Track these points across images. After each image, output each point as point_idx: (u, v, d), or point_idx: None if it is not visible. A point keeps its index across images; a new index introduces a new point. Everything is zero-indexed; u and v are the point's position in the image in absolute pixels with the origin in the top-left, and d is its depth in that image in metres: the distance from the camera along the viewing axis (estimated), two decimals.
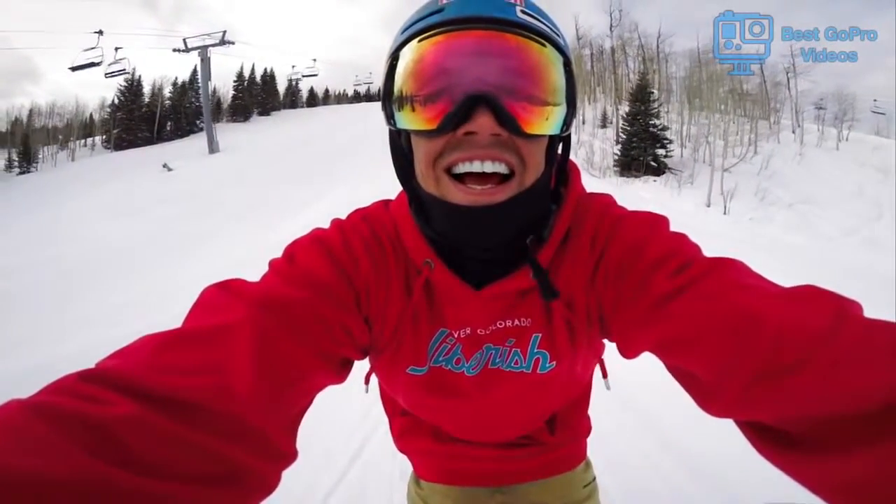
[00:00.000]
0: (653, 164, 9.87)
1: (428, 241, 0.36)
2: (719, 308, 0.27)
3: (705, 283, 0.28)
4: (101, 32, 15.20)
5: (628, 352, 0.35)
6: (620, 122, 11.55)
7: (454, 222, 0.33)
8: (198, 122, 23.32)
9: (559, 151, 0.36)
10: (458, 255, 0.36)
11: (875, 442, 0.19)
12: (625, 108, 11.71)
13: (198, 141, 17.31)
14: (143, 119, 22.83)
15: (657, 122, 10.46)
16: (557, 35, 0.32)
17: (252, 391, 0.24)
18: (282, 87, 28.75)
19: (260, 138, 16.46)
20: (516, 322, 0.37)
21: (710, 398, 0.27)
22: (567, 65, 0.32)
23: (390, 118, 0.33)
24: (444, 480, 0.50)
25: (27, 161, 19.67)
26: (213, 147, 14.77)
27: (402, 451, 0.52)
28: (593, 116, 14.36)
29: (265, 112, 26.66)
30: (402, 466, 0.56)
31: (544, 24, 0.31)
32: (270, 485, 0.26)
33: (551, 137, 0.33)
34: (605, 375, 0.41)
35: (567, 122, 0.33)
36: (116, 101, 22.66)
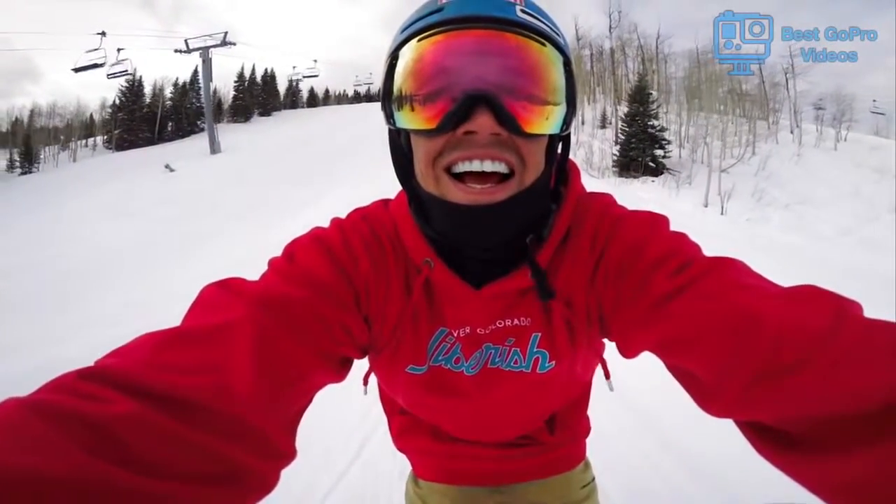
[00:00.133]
0: (651, 164, 9.92)
1: (428, 241, 0.36)
2: (719, 308, 0.27)
3: (705, 283, 0.28)
4: (103, 34, 15.25)
5: (628, 351, 0.35)
6: (619, 122, 11.59)
7: (454, 221, 0.33)
8: (199, 122, 23.36)
9: (559, 151, 0.36)
10: (457, 255, 0.36)
11: (875, 442, 0.19)
12: (624, 108, 11.73)
13: (199, 141, 17.34)
14: (144, 119, 22.90)
15: (655, 122, 10.51)
16: (557, 34, 0.32)
17: (251, 390, 0.24)
18: (282, 87, 28.88)
19: (261, 139, 16.49)
20: (516, 321, 0.37)
21: (710, 398, 0.27)
22: (567, 64, 0.32)
23: (390, 117, 0.33)
24: (443, 480, 0.50)
25: (29, 161, 19.72)
26: (214, 147, 14.81)
27: (400, 450, 0.52)
28: (593, 117, 14.38)
29: (266, 112, 26.72)
30: (402, 466, 0.56)
31: (544, 23, 0.31)
32: (269, 484, 0.26)
33: (551, 137, 0.33)
34: (607, 376, 0.41)
35: (567, 122, 0.33)
36: (118, 101, 22.74)
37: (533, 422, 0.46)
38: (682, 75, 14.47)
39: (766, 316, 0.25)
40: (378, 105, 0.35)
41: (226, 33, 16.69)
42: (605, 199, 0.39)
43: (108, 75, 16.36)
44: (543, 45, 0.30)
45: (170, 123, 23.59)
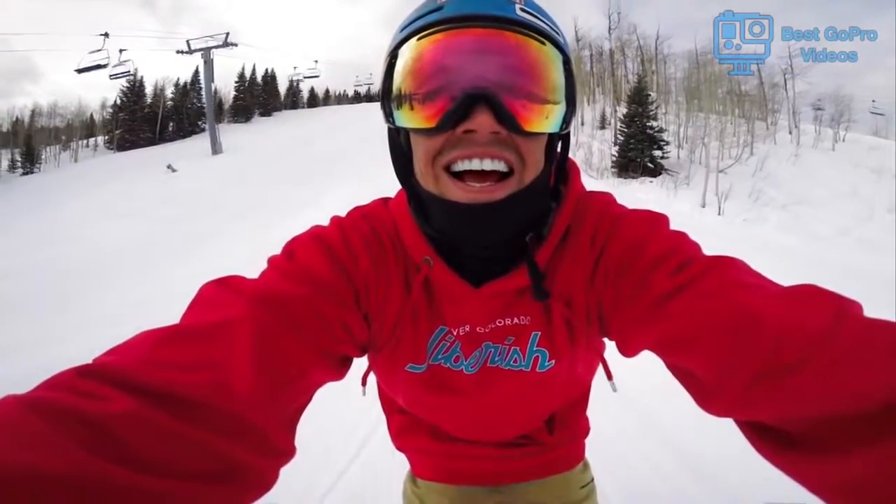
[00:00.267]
0: (649, 165, 9.95)
1: (427, 239, 0.36)
2: (719, 307, 0.27)
3: (705, 282, 0.28)
4: (106, 35, 15.33)
5: (628, 350, 0.35)
6: (618, 123, 11.61)
7: (453, 220, 0.33)
8: (200, 122, 23.37)
9: (559, 149, 0.36)
10: (457, 253, 0.36)
11: (875, 442, 0.19)
12: (623, 109, 11.74)
13: (200, 141, 17.36)
14: (145, 120, 22.92)
15: (654, 123, 10.55)
16: (557, 33, 0.32)
17: (251, 388, 0.24)
18: (283, 87, 28.91)
19: (262, 139, 16.51)
20: (515, 320, 0.37)
21: (710, 397, 0.27)
22: (566, 63, 0.32)
23: (389, 116, 0.33)
24: (442, 479, 0.50)
25: (30, 162, 19.71)
26: (216, 148, 14.82)
27: (399, 449, 0.52)
28: (592, 118, 14.38)
29: (266, 113, 26.75)
30: (402, 465, 0.56)
31: (544, 21, 0.31)
32: (268, 482, 0.26)
33: (551, 135, 0.33)
34: (609, 377, 0.40)
35: (566, 120, 0.32)
36: (119, 101, 22.75)
37: (532, 421, 0.46)
38: (681, 76, 14.52)
39: (766, 315, 0.25)
40: (378, 105, 0.35)
41: (227, 34, 16.77)
42: (605, 198, 0.39)
43: (111, 76, 16.40)
44: (543, 43, 0.30)
45: (171, 124, 23.60)
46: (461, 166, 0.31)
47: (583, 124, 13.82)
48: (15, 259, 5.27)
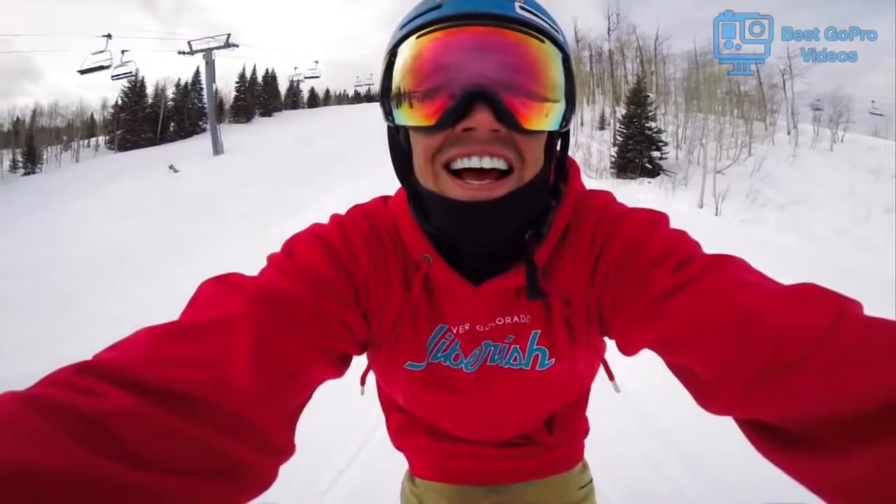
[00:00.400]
0: (648, 166, 9.95)
1: (427, 237, 0.36)
2: (719, 305, 0.26)
3: (705, 280, 0.28)
4: (109, 36, 15.40)
5: (628, 349, 0.35)
6: (617, 124, 11.63)
7: (452, 218, 0.33)
8: (201, 122, 23.36)
9: (558, 147, 0.36)
10: (456, 252, 0.36)
11: (875, 441, 0.19)
12: (622, 110, 11.76)
13: (201, 142, 17.36)
14: (146, 120, 22.93)
15: (653, 124, 10.56)
16: (556, 31, 0.32)
17: (250, 384, 0.24)
18: (283, 87, 28.95)
19: (263, 139, 16.52)
20: (515, 319, 0.37)
21: (710, 396, 0.27)
22: (566, 61, 0.32)
23: (389, 115, 0.33)
24: (440, 478, 0.50)
25: (32, 162, 19.69)
26: (217, 148, 14.83)
27: (398, 448, 0.52)
28: (591, 119, 14.38)
29: (267, 113, 26.77)
30: (402, 464, 0.56)
31: (543, 20, 0.31)
32: (267, 479, 0.26)
33: (550, 133, 0.33)
34: (611, 378, 0.40)
35: (566, 118, 0.32)
36: (120, 101, 22.79)
37: (531, 421, 0.46)
38: (680, 76, 14.53)
39: (766, 314, 0.24)
40: (377, 105, 0.35)
41: (229, 35, 16.80)
42: (605, 197, 0.38)
43: (113, 77, 16.45)
44: (542, 41, 0.30)
45: (172, 124, 23.64)
46: (460, 164, 0.31)
47: (582, 125, 13.81)
48: (16, 259, 5.27)
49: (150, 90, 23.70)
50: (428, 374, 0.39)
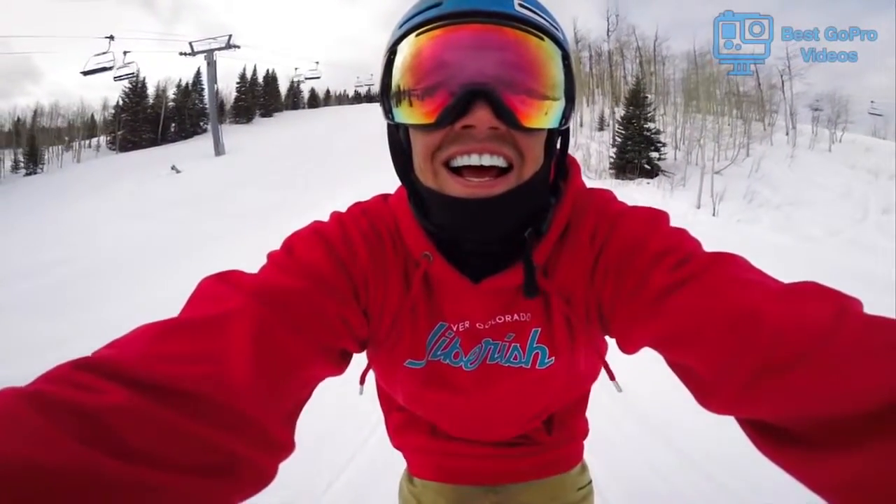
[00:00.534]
0: (646, 166, 9.92)
1: (427, 235, 0.36)
2: (719, 304, 0.26)
3: (705, 279, 0.28)
4: (111, 38, 15.42)
5: (628, 347, 0.34)
6: (616, 125, 11.62)
7: (452, 215, 0.33)
8: (201, 123, 23.34)
9: (558, 145, 0.36)
10: (456, 249, 0.36)
11: (875, 440, 0.19)
12: (621, 111, 11.75)
13: (202, 142, 17.36)
14: (147, 120, 22.92)
15: (651, 125, 10.53)
16: (556, 29, 0.31)
17: (250, 381, 0.24)
18: (283, 87, 28.99)
19: (264, 140, 16.51)
20: (515, 317, 0.37)
21: (710, 394, 0.27)
22: (566, 59, 0.31)
23: (388, 112, 0.32)
24: (439, 478, 0.50)
25: (33, 162, 19.68)
26: (219, 149, 14.83)
27: (397, 447, 0.52)
28: (591, 119, 14.34)
29: (267, 113, 26.77)
30: (402, 463, 0.57)
31: (543, 17, 0.31)
32: (267, 476, 0.26)
33: (550, 131, 0.33)
34: (612, 378, 0.39)
35: (566, 116, 0.32)
36: (121, 102, 22.80)
37: (531, 420, 0.45)
38: (679, 76, 14.53)
39: (766, 312, 0.24)
40: (377, 105, 0.34)
41: (230, 36, 16.84)
42: (605, 195, 0.38)
43: (115, 78, 16.45)
44: (542, 39, 0.30)
45: (172, 124, 23.65)
46: (460, 161, 0.31)
47: (581, 126, 13.80)
48: (18, 260, 5.28)
49: (150, 91, 23.77)
50: (427, 372, 0.39)
